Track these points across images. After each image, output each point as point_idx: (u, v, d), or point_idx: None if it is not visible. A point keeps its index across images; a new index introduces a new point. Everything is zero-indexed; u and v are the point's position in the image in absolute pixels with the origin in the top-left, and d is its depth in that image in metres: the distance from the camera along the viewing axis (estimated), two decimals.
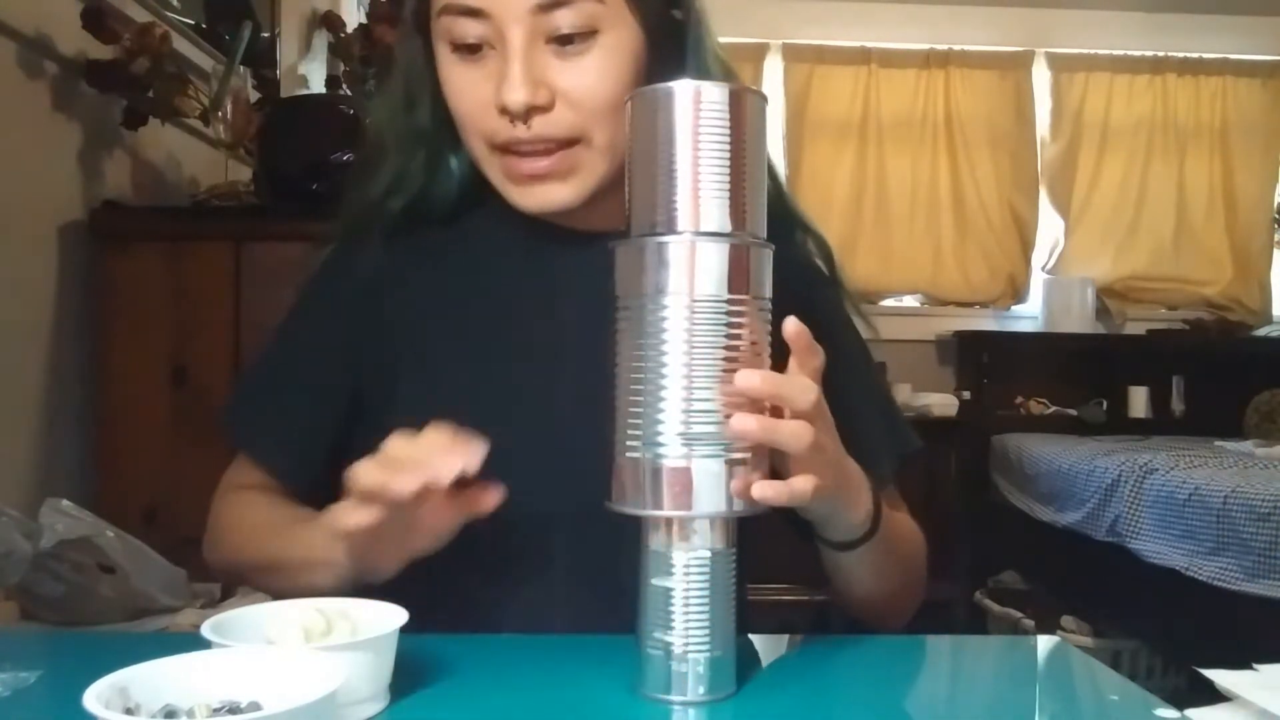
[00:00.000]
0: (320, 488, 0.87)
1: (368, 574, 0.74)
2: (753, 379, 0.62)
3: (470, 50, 0.80)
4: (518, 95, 0.77)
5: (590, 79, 0.79)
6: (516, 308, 0.88)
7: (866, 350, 0.98)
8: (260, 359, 0.96)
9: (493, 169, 0.84)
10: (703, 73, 0.86)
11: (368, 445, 0.85)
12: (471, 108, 0.81)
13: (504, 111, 0.79)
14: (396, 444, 0.68)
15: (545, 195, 0.82)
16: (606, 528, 0.69)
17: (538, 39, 0.78)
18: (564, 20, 0.78)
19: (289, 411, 0.91)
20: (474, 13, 0.78)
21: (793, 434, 0.64)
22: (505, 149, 0.81)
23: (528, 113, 0.78)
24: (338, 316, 0.91)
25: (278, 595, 0.80)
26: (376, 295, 0.89)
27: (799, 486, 0.64)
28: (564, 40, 0.79)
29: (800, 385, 0.65)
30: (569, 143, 0.81)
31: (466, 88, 0.81)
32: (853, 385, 0.95)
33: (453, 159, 0.89)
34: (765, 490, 0.63)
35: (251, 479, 0.91)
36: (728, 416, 0.62)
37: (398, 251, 0.89)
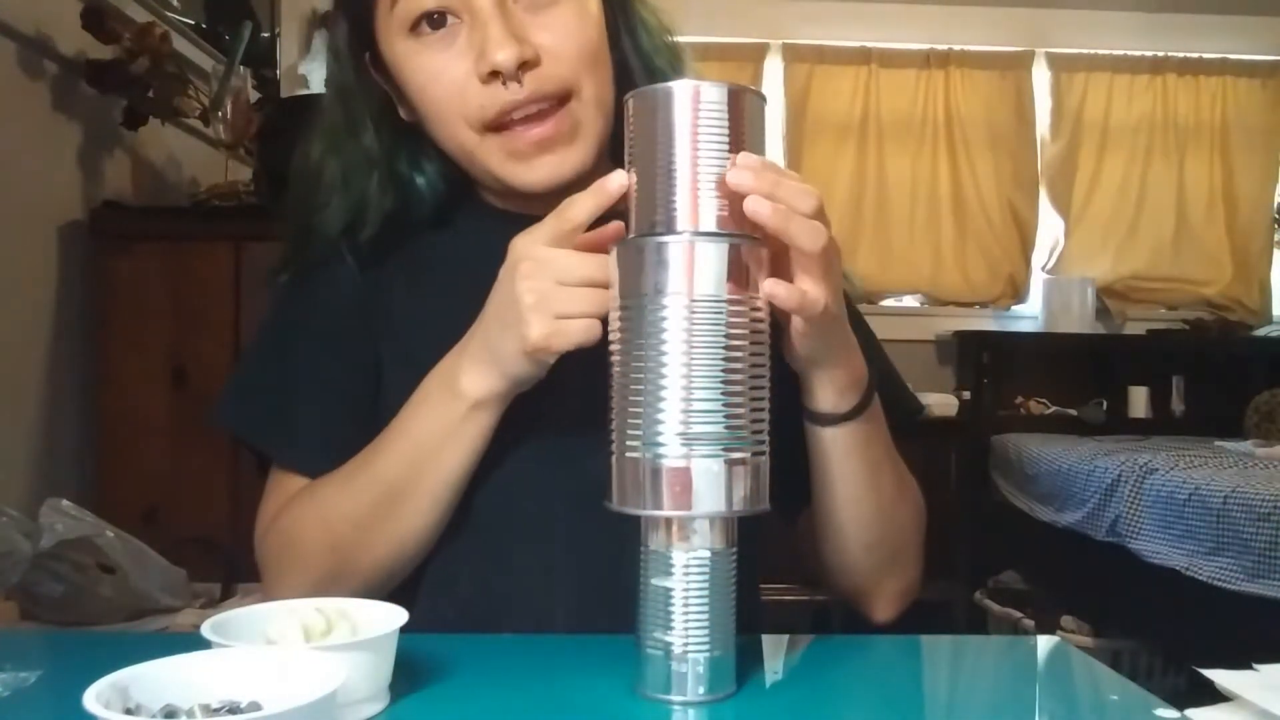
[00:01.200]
0: None
1: (521, 380, 0.72)
2: (743, 174, 0.60)
3: (434, 28, 0.78)
4: (507, 52, 0.76)
5: (568, 29, 0.79)
6: None
7: (868, 327, 0.95)
8: (265, 367, 0.90)
9: (489, 153, 0.81)
10: (642, 43, 0.87)
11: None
12: (450, 88, 0.79)
13: (493, 75, 0.77)
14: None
15: (554, 166, 0.80)
16: (606, 528, 0.69)
17: (505, 2, 0.78)
18: None
19: (320, 419, 0.86)
20: None
21: (808, 229, 0.62)
22: (499, 125, 0.79)
23: (519, 69, 0.76)
24: (333, 323, 0.88)
25: (401, 535, 0.77)
26: (366, 301, 0.87)
27: (811, 290, 0.63)
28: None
29: (799, 187, 0.63)
30: (562, 99, 0.79)
31: (439, 71, 0.79)
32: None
33: (418, 177, 0.87)
34: (777, 288, 0.62)
35: (289, 495, 0.87)
36: (728, 418, 0.62)
37: (384, 261, 0.88)
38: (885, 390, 0.90)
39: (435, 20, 0.79)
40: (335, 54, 0.88)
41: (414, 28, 0.79)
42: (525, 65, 0.77)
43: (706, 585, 0.63)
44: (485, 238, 0.89)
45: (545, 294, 0.67)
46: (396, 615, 0.62)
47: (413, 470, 0.76)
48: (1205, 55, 4.10)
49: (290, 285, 0.91)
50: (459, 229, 0.90)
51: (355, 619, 0.63)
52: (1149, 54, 4.10)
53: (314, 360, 0.88)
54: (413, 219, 0.88)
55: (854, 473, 0.79)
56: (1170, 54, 4.10)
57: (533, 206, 0.87)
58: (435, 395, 0.76)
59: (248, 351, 0.94)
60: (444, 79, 0.79)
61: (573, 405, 0.81)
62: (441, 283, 0.89)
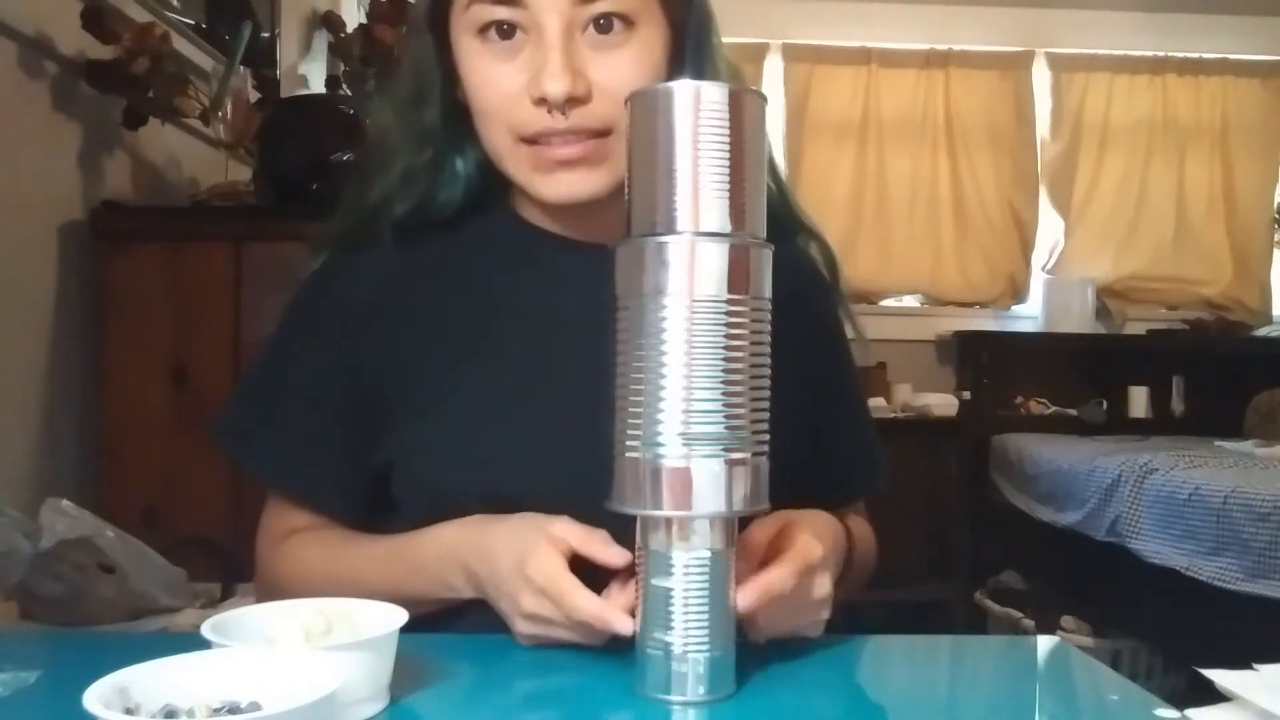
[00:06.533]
0: (358, 506, 0.87)
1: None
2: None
3: (502, 37, 0.80)
4: (559, 85, 0.77)
5: (627, 71, 0.79)
6: (520, 314, 0.88)
7: (854, 362, 1.01)
8: (267, 382, 0.91)
9: (517, 161, 0.83)
10: (713, 76, 0.86)
11: (384, 455, 0.85)
12: (501, 99, 0.81)
13: (540, 102, 0.78)
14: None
15: (573, 185, 0.81)
16: (606, 528, 0.69)
17: (574, 29, 0.78)
18: (603, 6, 0.78)
19: (315, 443, 0.87)
20: (509, 1, 0.78)
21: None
22: (535, 140, 0.81)
23: (566, 103, 0.78)
24: (339, 331, 0.88)
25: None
26: (378, 304, 0.88)
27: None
28: (602, 29, 0.79)
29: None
30: (601, 134, 0.80)
31: (496, 78, 0.81)
32: (842, 399, 0.97)
33: (458, 160, 0.89)
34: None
35: (294, 522, 0.89)
36: (728, 418, 0.62)
37: (400, 258, 0.88)
38: (864, 447, 0.98)
39: (504, 30, 0.80)
40: (416, 26, 0.89)
41: (482, 31, 0.81)
42: (574, 100, 0.78)
43: (706, 585, 0.63)
44: (500, 242, 0.90)
45: (541, 621, 0.71)
46: (397, 615, 0.62)
47: (393, 599, 0.78)
48: (1205, 55, 4.10)
49: (307, 286, 0.92)
50: (474, 231, 0.90)
51: (355, 619, 0.63)
52: (1149, 54, 4.10)
53: (314, 380, 0.88)
54: (437, 210, 0.89)
55: None
56: (1170, 54, 4.10)
57: (554, 223, 0.88)
58: (433, 572, 0.79)
59: (252, 365, 0.94)
60: (498, 87, 0.81)
61: (572, 405, 0.81)
62: (456, 285, 0.89)
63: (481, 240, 0.90)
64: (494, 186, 0.90)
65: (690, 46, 0.86)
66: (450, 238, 0.90)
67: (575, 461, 0.81)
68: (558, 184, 0.82)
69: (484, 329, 0.87)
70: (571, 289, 0.86)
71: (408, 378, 0.86)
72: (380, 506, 0.87)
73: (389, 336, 0.87)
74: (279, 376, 0.90)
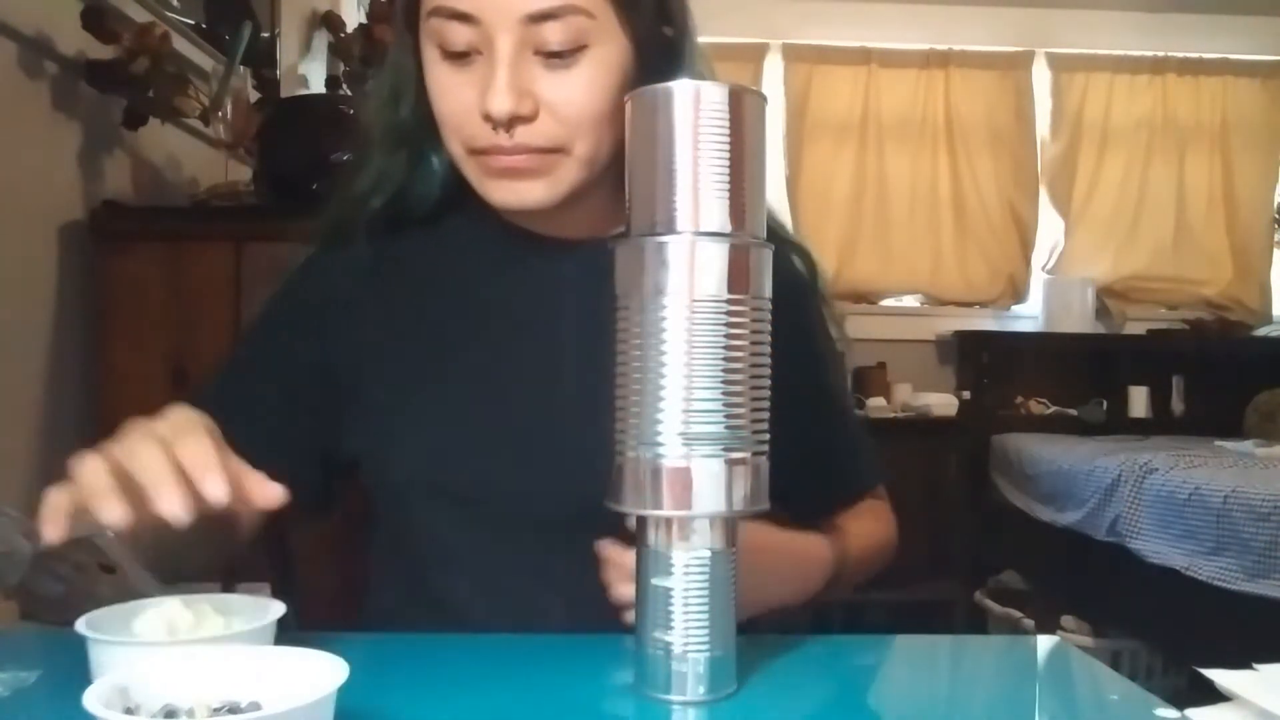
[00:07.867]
0: (305, 491, 0.87)
1: None
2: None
3: (458, 54, 0.80)
4: (502, 104, 0.77)
5: (576, 92, 0.79)
6: (496, 312, 0.88)
7: (835, 363, 1.01)
8: (230, 361, 0.94)
9: (469, 167, 0.84)
10: None
11: (352, 447, 0.86)
12: (454, 110, 0.81)
13: (487, 118, 0.79)
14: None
15: (520, 192, 0.82)
16: (606, 528, 0.69)
17: (526, 49, 0.78)
18: (553, 34, 0.77)
19: (259, 414, 0.88)
20: (464, 17, 0.78)
21: None
22: (483, 152, 0.82)
23: (511, 121, 0.78)
24: (312, 320, 0.90)
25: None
26: (351, 298, 0.89)
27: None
28: (552, 53, 0.78)
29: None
30: (549, 151, 0.81)
31: (451, 90, 0.81)
32: (822, 401, 0.97)
33: (434, 158, 0.89)
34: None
35: None
36: (728, 418, 0.62)
37: (376, 253, 0.89)
38: (855, 444, 0.99)
39: (459, 45, 0.80)
40: (395, 22, 0.90)
41: (440, 43, 0.81)
42: (518, 119, 0.78)
43: (706, 585, 0.63)
44: (475, 239, 0.91)
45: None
46: (274, 609, 0.62)
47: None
48: (1205, 55, 4.10)
49: (286, 280, 0.93)
50: (451, 227, 0.91)
51: (230, 611, 0.62)
52: (1149, 54, 4.10)
53: (279, 365, 0.90)
54: (414, 206, 0.90)
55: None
56: (1170, 54, 4.10)
57: (525, 220, 0.88)
58: None
59: (227, 355, 0.97)
60: (452, 98, 0.81)
61: (572, 404, 0.81)
62: (432, 282, 0.90)
63: (456, 236, 0.91)
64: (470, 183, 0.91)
65: (679, 61, 0.85)
66: (427, 233, 0.91)
67: (539, 457, 0.81)
68: (504, 190, 0.82)
69: (455, 323, 0.88)
70: (542, 285, 0.87)
71: (377, 371, 0.87)
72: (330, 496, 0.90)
73: (361, 330, 0.88)
74: (245, 362, 0.93)
